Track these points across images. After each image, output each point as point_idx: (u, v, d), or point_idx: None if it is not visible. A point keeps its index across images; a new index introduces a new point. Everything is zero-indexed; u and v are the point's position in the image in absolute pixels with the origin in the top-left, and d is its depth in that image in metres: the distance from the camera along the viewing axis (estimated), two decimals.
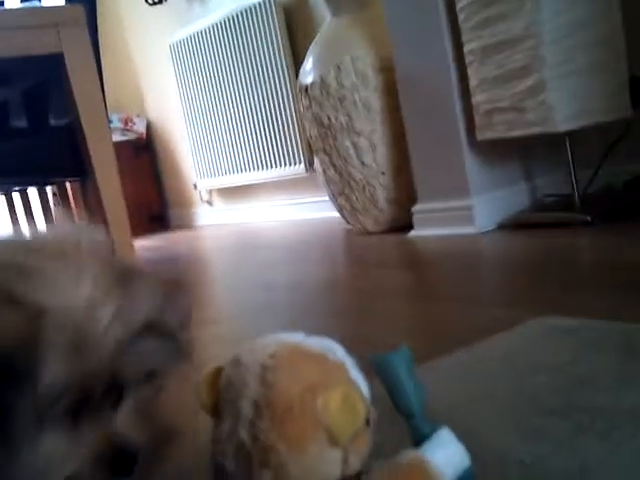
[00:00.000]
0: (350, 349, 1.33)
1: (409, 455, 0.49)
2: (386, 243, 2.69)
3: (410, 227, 2.70)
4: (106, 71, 2.95)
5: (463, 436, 0.83)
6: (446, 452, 0.50)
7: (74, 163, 2.77)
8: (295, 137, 3.92)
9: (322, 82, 2.84)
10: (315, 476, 0.43)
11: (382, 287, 1.96)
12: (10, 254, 0.52)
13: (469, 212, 2.46)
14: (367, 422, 0.47)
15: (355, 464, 0.46)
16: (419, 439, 0.51)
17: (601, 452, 0.71)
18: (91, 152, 2.70)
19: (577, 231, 2.13)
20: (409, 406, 0.51)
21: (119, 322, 0.51)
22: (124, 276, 0.55)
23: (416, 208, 2.66)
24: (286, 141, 4.00)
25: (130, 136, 5.27)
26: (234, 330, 1.72)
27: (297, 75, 3.19)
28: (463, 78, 2.39)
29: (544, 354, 1.08)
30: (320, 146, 2.99)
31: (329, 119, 2.87)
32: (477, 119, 2.34)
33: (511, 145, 2.54)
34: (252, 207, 4.62)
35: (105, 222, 2.84)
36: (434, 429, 0.52)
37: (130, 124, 5.30)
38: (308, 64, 2.96)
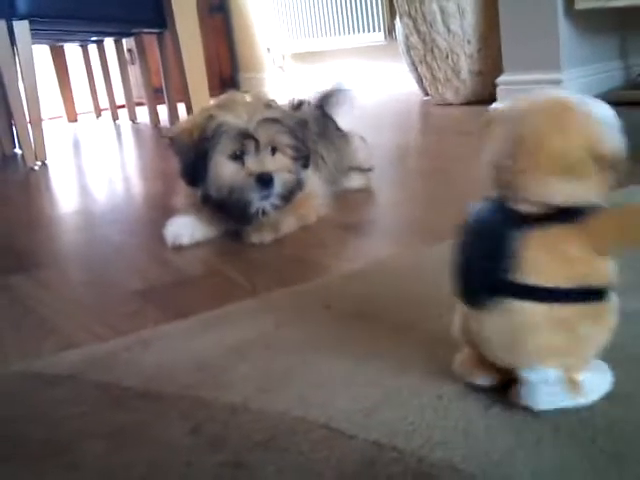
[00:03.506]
0: (433, 209, 1.32)
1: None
2: (465, 114, 2.63)
3: (492, 101, 2.61)
4: None
5: None
6: None
7: (155, 12, 2.74)
8: (377, 2, 3.79)
9: None
10: (542, 197, 0.54)
11: (461, 153, 1.93)
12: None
13: (557, 86, 2.36)
14: (610, 166, 0.53)
15: (581, 198, 0.54)
16: None
17: None
18: (173, 2, 2.66)
19: None
20: None
21: (253, 120, 1.21)
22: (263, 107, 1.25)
23: (501, 79, 2.57)
24: (367, 6, 3.86)
25: None
26: None
27: None
28: None
29: None
30: (405, 10, 2.88)
31: None
32: None
33: (610, 17, 2.41)
34: (326, 73, 4.53)
35: (182, 76, 2.83)
36: None
37: None
38: None
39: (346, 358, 0.73)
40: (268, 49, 4.95)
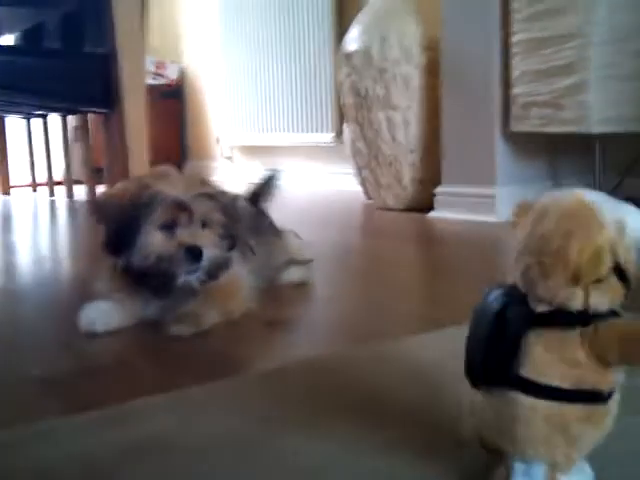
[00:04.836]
0: (363, 311, 1.31)
1: None
2: (405, 220, 2.66)
3: (430, 209, 2.67)
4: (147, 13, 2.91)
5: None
6: None
7: (103, 93, 2.74)
8: (328, 105, 3.88)
9: (365, 52, 2.79)
10: (558, 299, 0.55)
11: (397, 257, 1.94)
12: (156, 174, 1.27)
13: (491, 200, 2.43)
14: (621, 275, 0.55)
15: (595, 305, 0.55)
16: None
17: None
18: (123, 84, 2.67)
19: None
20: None
21: (188, 193, 1.21)
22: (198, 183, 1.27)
23: (439, 190, 2.64)
24: (319, 107, 3.95)
25: (160, 81, 5.23)
26: None
27: (340, 42, 3.14)
28: (506, 68, 2.38)
29: None
30: (353, 116, 2.95)
31: (366, 90, 2.83)
32: (514, 110, 2.33)
33: (543, 142, 2.54)
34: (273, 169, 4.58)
35: (124, 158, 2.81)
36: None
37: (162, 69, 5.25)
38: (354, 32, 2.92)
39: (250, 463, 0.68)
40: (217, 139, 4.99)
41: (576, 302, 0.55)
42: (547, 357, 0.56)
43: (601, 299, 0.55)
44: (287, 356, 1.07)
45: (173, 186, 1.21)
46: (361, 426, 0.76)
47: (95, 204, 1.30)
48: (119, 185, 1.30)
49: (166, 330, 1.19)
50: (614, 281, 0.55)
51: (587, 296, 0.54)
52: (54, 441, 0.76)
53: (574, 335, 0.55)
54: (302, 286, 1.54)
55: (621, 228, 0.54)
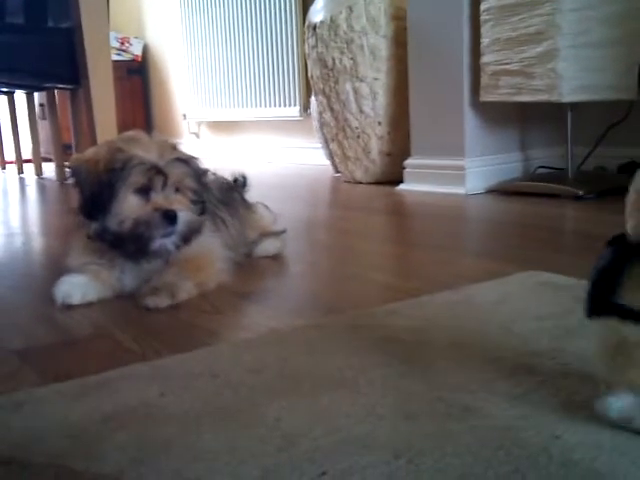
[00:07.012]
0: (334, 283, 1.33)
1: None
2: (373, 192, 2.68)
3: (399, 182, 2.69)
4: None
5: (456, 366, 0.85)
6: None
7: (69, 68, 2.70)
8: (294, 78, 3.87)
9: (332, 22, 2.79)
10: None
11: (366, 229, 1.96)
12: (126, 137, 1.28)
13: (461, 172, 2.45)
14: None
15: None
16: None
17: (586, 392, 0.71)
18: (88, 59, 2.64)
19: (566, 203, 2.13)
20: None
21: (162, 157, 1.23)
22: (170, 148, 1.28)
23: (408, 162, 2.65)
24: (285, 81, 3.94)
25: (125, 57, 5.17)
26: None
27: (306, 13, 3.13)
28: (475, 37, 2.36)
29: (533, 304, 1.08)
30: (320, 88, 2.95)
31: (333, 61, 2.82)
32: (483, 80, 2.32)
33: (512, 112, 2.54)
34: (240, 144, 4.56)
35: (92, 134, 2.79)
36: None
37: (126, 45, 5.19)
38: (319, 2, 2.90)
39: (228, 430, 0.70)
40: (184, 115, 4.95)
41: None
42: None
43: None
44: (261, 326, 1.08)
45: (147, 150, 1.22)
46: (341, 394, 0.77)
47: (69, 169, 1.30)
48: (91, 149, 1.30)
49: (142, 302, 1.20)
50: None
51: None
52: (37, 410, 0.78)
53: None
54: (275, 258, 1.56)
55: None
